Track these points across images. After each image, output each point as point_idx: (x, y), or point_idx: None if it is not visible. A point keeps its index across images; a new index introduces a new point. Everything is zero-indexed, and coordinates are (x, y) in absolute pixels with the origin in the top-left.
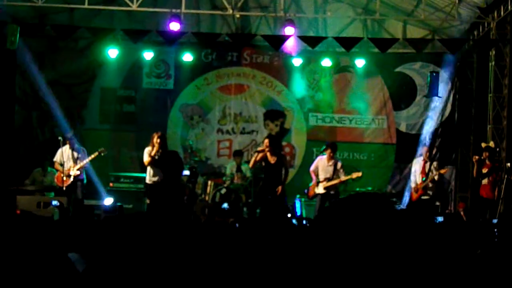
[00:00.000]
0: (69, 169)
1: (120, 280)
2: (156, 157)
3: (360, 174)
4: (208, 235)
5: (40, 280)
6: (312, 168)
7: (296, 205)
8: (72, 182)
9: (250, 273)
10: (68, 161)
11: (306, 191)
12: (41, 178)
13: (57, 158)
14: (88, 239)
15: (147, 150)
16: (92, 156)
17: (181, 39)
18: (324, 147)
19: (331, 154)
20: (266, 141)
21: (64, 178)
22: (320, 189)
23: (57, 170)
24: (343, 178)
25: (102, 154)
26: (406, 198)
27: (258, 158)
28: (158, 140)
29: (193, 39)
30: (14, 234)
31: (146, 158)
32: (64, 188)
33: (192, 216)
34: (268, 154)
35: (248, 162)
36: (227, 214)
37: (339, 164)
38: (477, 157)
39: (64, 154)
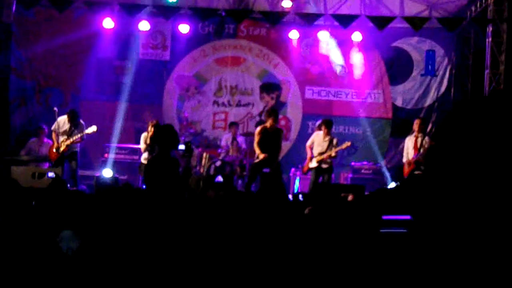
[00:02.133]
0: (61, 142)
1: (115, 256)
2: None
3: (349, 144)
4: (201, 210)
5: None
6: (308, 143)
7: (296, 181)
8: (65, 153)
9: (245, 249)
10: (63, 133)
11: (300, 166)
12: (37, 148)
13: (54, 127)
14: (85, 214)
15: (143, 136)
16: (82, 133)
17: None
18: (318, 123)
19: (326, 130)
20: (271, 120)
21: (54, 151)
22: (313, 163)
23: (52, 141)
24: (333, 150)
25: (92, 131)
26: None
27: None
28: (153, 129)
29: (189, 10)
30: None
31: (141, 145)
32: (55, 159)
33: (187, 191)
34: (267, 125)
35: (244, 134)
36: (221, 188)
37: (334, 140)
38: None
39: (60, 124)
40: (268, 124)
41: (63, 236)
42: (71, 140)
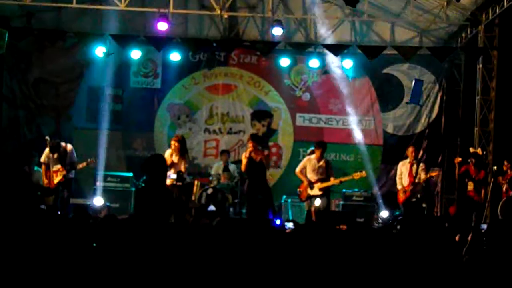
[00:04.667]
0: (57, 171)
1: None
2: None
3: (364, 174)
4: (193, 238)
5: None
6: (298, 169)
7: (289, 208)
8: (60, 182)
9: (234, 274)
10: (56, 164)
11: (298, 192)
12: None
13: (43, 159)
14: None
15: (167, 153)
16: (80, 165)
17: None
18: (312, 147)
19: (320, 153)
20: (250, 144)
21: (47, 182)
22: (315, 191)
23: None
24: (344, 178)
25: (90, 165)
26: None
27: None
28: (177, 144)
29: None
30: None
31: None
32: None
33: (178, 219)
34: (252, 153)
35: (235, 162)
36: (214, 216)
37: (330, 164)
38: (459, 159)
39: (49, 156)
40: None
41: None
42: (65, 172)
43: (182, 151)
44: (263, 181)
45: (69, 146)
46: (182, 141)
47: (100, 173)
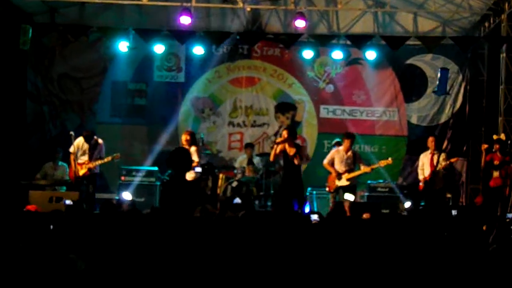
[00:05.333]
0: (82, 164)
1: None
2: None
3: (390, 161)
4: (219, 231)
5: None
6: (326, 161)
7: (314, 200)
8: (84, 176)
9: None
10: (83, 154)
11: (326, 184)
12: (52, 172)
13: (73, 149)
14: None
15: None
16: (105, 160)
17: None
18: (337, 139)
19: (348, 144)
20: (285, 132)
21: (73, 174)
22: (343, 181)
23: (69, 164)
24: (372, 166)
25: (116, 160)
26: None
27: (278, 150)
28: (187, 138)
29: (204, 32)
30: (22, 232)
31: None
32: (74, 182)
33: (204, 213)
34: (286, 145)
35: (260, 155)
36: (239, 209)
37: (357, 154)
38: (486, 145)
39: (79, 146)
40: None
41: (72, 259)
42: (94, 163)
43: (193, 143)
44: (296, 174)
45: (100, 140)
46: (192, 134)
47: (126, 167)
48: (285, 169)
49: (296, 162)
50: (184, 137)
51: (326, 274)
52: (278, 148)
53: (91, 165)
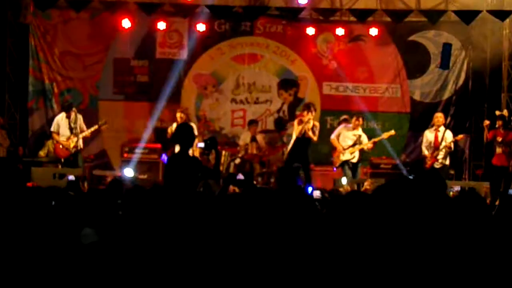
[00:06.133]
0: (67, 140)
1: (131, 253)
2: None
3: (393, 132)
4: (221, 208)
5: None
6: (333, 136)
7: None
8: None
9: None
10: (66, 131)
11: (331, 159)
12: (54, 149)
13: (53, 128)
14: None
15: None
16: (92, 129)
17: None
18: (344, 117)
19: (361, 124)
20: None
21: (62, 148)
22: (347, 155)
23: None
24: (375, 140)
25: (102, 126)
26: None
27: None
28: (183, 116)
29: (206, 9)
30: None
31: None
32: (63, 160)
33: (206, 188)
34: (314, 122)
35: (262, 131)
36: (242, 185)
37: (363, 136)
38: (488, 122)
39: (60, 123)
40: None
41: (84, 234)
42: (85, 133)
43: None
44: (304, 149)
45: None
46: (186, 112)
47: (128, 144)
48: (295, 144)
49: (314, 138)
50: (178, 115)
51: (326, 250)
52: (306, 126)
53: (83, 135)
